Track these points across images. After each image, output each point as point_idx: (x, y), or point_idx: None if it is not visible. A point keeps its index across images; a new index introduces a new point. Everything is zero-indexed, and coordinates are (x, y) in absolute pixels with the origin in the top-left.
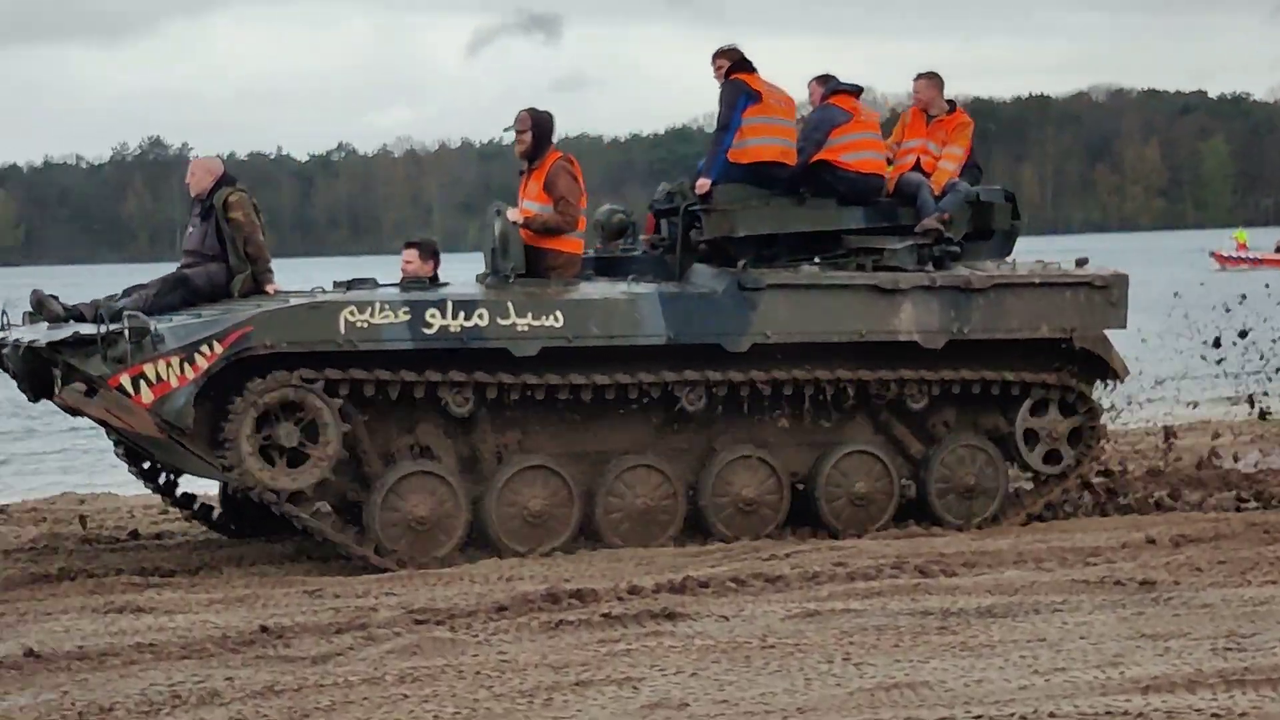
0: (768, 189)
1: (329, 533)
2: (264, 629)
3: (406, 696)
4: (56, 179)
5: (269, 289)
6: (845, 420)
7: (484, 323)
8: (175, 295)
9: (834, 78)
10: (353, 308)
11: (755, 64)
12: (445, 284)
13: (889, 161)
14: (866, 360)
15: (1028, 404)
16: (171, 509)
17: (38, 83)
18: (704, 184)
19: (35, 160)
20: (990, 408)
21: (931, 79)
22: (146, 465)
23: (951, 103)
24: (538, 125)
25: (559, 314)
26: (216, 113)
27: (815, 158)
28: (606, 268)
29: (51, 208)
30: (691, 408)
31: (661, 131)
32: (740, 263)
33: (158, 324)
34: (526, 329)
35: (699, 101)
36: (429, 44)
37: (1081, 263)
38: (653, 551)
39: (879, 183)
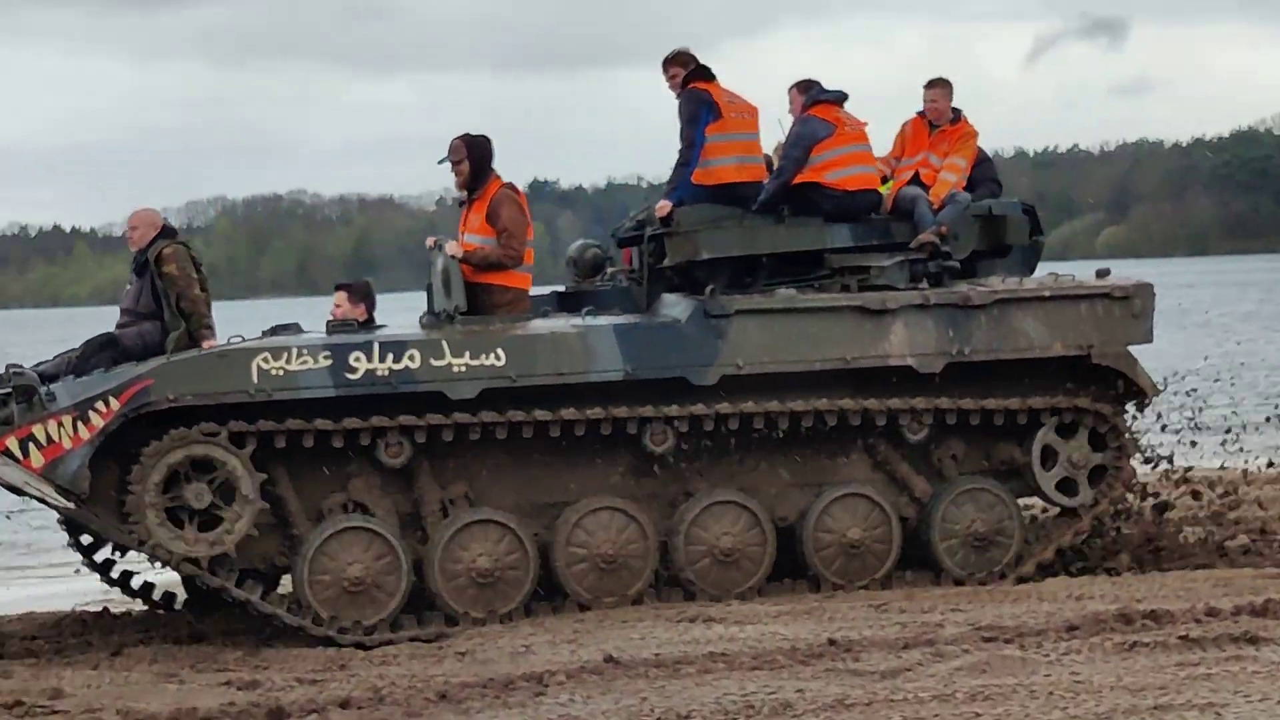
0: (741, 207)
1: (256, 602)
2: (832, 642)
3: (978, 715)
4: (618, 198)
5: (205, 345)
6: (838, 456)
7: (415, 364)
8: (103, 357)
9: (816, 84)
10: (267, 354)
11: (712, 70)
12: (381, 326)
13: (885, 179)
14: (854, 389)
15: (1051, 423)
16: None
17: (603, 107)
18: (664, 206)
19: (599, 182)
20: (1005, 437)
21: (946, 86)
22: (87, 541)
23: (956, 111)
24: (474, 152)
25: (501, 352)
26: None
27: (797, 179)
28: (572, 304)
29: (613, 225)
30: (658, 448)
31: (1226, 134)
32: (709, 289)
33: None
34: (464, 369)
35: (1269, 101)
36: (986, 54)
37: (1103, 274)
38: (1229, 573)
39: (871, 199)
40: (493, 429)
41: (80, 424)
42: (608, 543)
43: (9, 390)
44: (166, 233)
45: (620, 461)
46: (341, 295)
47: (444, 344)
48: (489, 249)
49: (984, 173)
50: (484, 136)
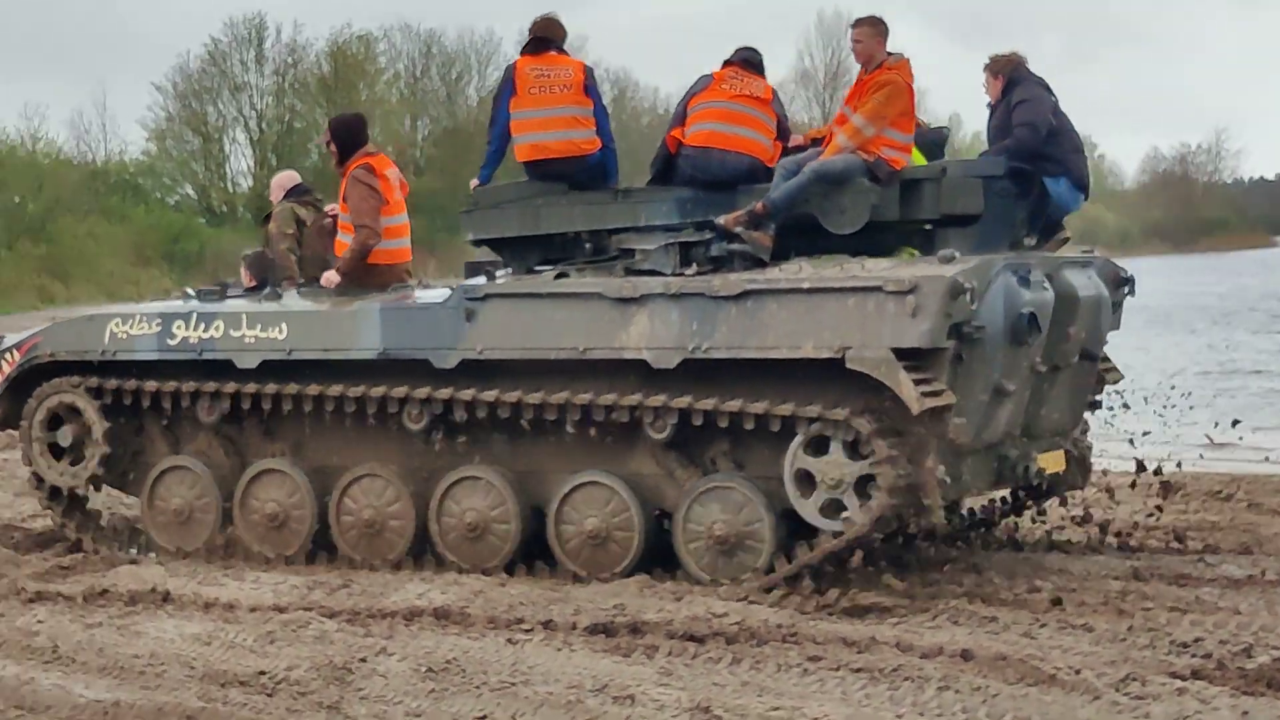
0: (564, 183)
1: (73, 529)
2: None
3: None
4: None
5: None
6: (624, 445)
7: (218, 334)
8: (210, 298)
9: (749, 49)
10: (118, 319)
11: (559, 40)
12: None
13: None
14: (594, 380)
15: (799, 439)
16: None
17: None
18: (473, 183)
19: None
20: (778, 443)
21: (874, 25)
22: None
23: (892, 55)
24: (339, 133)
25: (284, 326)
26: None
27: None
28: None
29: None
30: (415, 426)
31: None
32: (484, 272)
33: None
34: (252, 341)
35: None
36: None
37: (946, 259)
38: None
39: (733, 165)
40: (265, 398)
41: (4, 365)
42: (370, 508)
43: None
44: (294, 192)
45: (394, 435)
46: (243, 263)
47: (243, 317)
48: (349, 253)
49: (1019, 116)
50: (351, 116)
